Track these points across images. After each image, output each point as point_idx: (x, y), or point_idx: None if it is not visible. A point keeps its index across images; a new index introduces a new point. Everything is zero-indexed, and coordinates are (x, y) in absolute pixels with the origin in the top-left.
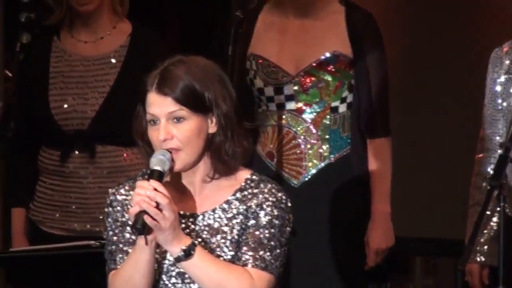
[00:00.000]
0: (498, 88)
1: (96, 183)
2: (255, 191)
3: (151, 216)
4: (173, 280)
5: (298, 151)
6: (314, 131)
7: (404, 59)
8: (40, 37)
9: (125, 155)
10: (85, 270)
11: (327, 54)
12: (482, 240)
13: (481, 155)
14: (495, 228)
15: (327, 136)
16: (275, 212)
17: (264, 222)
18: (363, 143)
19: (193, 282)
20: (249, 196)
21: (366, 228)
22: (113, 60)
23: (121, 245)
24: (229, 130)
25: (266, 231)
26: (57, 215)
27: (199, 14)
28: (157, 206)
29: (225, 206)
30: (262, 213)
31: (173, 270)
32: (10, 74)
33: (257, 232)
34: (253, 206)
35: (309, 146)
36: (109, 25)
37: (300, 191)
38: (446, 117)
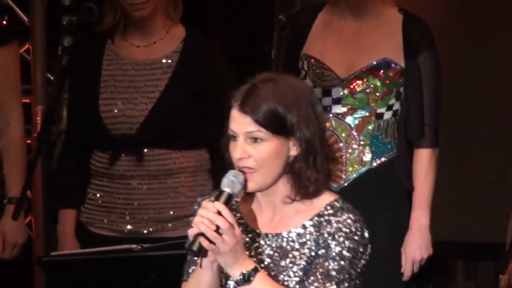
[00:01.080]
0: None
1: (144, 184)
2: (332, 218)
3: (208, 239)
4: None
5: (339, 156)
6: (356, 136)
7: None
8: (93, 40)
9: (173, 158)
10: (127, 275)
11: (379, 60)
12: None
13: None
14: None
15: (369, 142)
16: (347, 244)
17: (334, 253)
18: (409, 152)
19: None
20: (324, 223)
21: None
22: (165, 65)
23: (196, 258)
24: (311, 156)
25: (335, 263)
26: (106, 216)
27: (242, 16)
28: (217, 229)
29: (301, 230)
30: (333, 243)
31: None
32: (52, 78)
33: (326, 263)
34: (326, 235)
35: (350, 150)
36: (162, 29)
37: None
38: (488, 120)
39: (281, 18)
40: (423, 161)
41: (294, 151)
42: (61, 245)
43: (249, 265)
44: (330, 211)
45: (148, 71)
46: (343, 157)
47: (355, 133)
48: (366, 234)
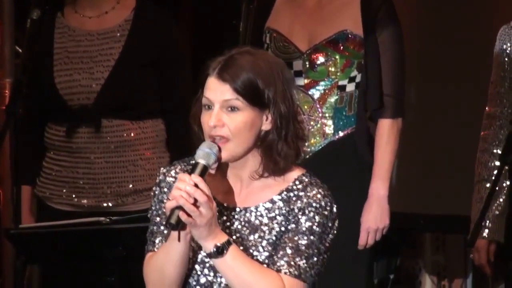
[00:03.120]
0: (506, 60)
1: (104, 157)
2: (301, 194)
3: (186, 213)
4: (206, 271)
5: None
6: (319, 108)
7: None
8: (45, 14)
9: (132, 129)
10: (95, 247)
11: (337, 32)
12: (489, 216)
13: (486, 132)
14: (502, 204)
15: (331, 114)
16: (317, 219)
17: (304, 228)
18: (370, 124)
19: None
20: (294, 198)
21: None
22: (118, 34)
23: (162, 228)
24: (283, 131)
25: (305, 238)
26: (65, 191)
27: None
28: (195, 202)
29: (269, 205)
30: (303, 218)
31: (207, 262)
32: (20, 51)
33: (295, 238)
34: (296, 210)
35: (312, 123)
36: (113, 0)
37: None
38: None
39: None
40: (383, 132)
41: (266, 125)
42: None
43: (222, 238)
44: (299, 186)
45: (102, 40)
46: (306, 129)
47: (317, 106)
48: (335, 209)
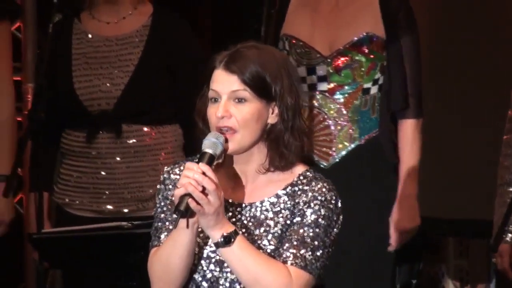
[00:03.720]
0: None
1: (124, 163)
2: (306, 188)
3: (195, 200)
4: (212, 267)
5: (328, 133)
6: (344, 112)
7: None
8: (63, 20)
9: (152, 134)
10: (117, 251)
11: (361, 35)
12: None
13: (509, 136)
14: None
15: (357, 118)
16: (322, 212)
17: (310, 221)
18: (393, 125)
19: (231, 272)
20: (299, 193)
21: None
22: (136, 40)
23: (167, 223)
24: (290, 123)
25: (311, 230)
26: (85, 197)
27: None
28: (203, 190)
29: (274, 199)
30: (308, 211)
31: (213, 257)
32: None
33: (301, 230)
34: (301, 203)
35: (339, 127)
36: (130, 6)
37: (330, 173)
38: (477, 100)
39: None
40: (408, 132)
41: (272, 119)
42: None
43: (229, 227)
44: (304, 181)
45: (120, 46)
46: (332, 134)
47: (343, 110)
48: (339, 204)
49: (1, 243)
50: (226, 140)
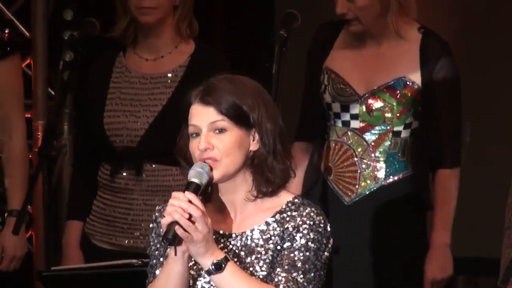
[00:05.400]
0: None
1: (143, 200)
2: (294, 213)
3: (182, 228)
4: None
5: (354, 170)
6: (372, 152)
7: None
8: (106, 51)
9: (173, 174)
10: None
11: (395, 79)
12: None
13: None
14: None
15: (384, 159)
16: (311, 235)
17: (300, 245)
18: (428, 171)
19: None
20: (287, 219)
21: (416, 255)
22: (169, 80)
23: (162, 259)
24: (271, 148)
25: (301, 254)
26: (106, 230)
27: (242, 33)
28: (190, 218)
29: (264, 227)
30: (298, 236)
31: None
32: (53, 93)
33: (291, 254)
34: (290, 229)
35: (364, 166)
36: (171, 44)
37: (350, 210)
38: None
39: (282, 33)
40: (442, 182)
41: (254, 146)
42: (64, 256)
43: (219, 254)
44: (292, 207)
45: (154, 84)
46: (358, 171)
47: (371, 149)
48: (328, 228)
49: (11, 280)
50: (211, 169)
